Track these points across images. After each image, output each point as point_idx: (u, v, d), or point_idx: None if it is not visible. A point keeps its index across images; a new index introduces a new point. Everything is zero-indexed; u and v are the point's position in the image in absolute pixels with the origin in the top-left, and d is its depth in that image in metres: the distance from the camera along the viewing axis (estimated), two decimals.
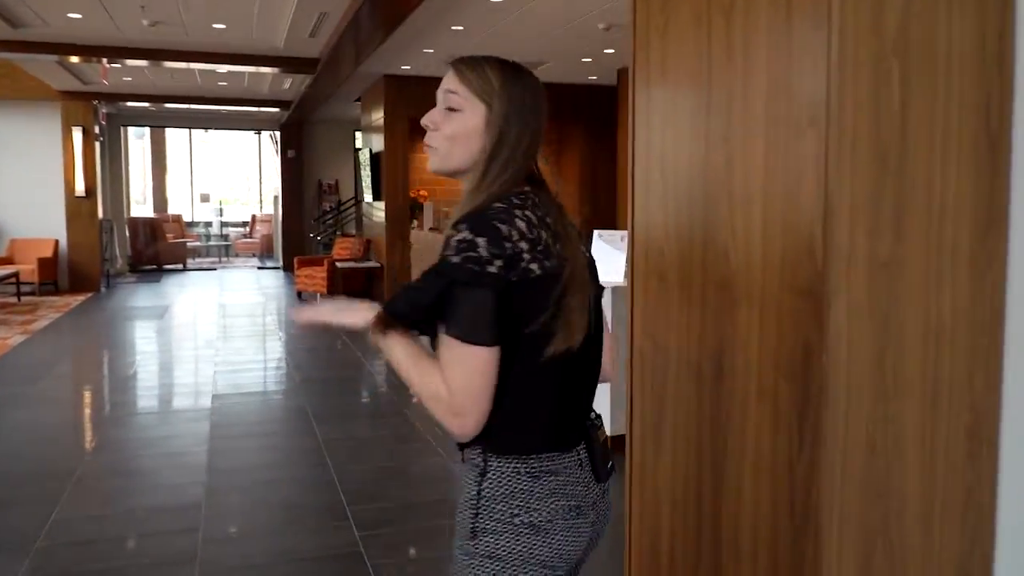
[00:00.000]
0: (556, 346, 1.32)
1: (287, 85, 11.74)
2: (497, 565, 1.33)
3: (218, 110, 15.04)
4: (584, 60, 9.47)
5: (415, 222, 11.46)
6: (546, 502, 1.34)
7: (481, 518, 1.34)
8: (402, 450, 4.85)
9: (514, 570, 1.32)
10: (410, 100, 10.81)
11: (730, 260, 1.64)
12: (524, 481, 1.33)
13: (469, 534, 1.35)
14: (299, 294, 11.90)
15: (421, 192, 11.60)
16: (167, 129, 19.34)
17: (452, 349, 1.26)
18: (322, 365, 7.48)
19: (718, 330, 1.71)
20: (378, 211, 11.42)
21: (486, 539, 1.33)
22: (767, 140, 1.46)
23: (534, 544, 1.32)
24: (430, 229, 8.82)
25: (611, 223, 10.31)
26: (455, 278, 1.25)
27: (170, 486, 4.25)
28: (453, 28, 7.86)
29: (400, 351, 1.33)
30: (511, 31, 7.97)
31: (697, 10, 1.67)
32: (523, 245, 1.29)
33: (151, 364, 7.46)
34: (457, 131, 1.39)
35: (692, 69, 1.74)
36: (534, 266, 1.29)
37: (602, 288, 1.58)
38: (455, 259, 1.25)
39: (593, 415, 1.49)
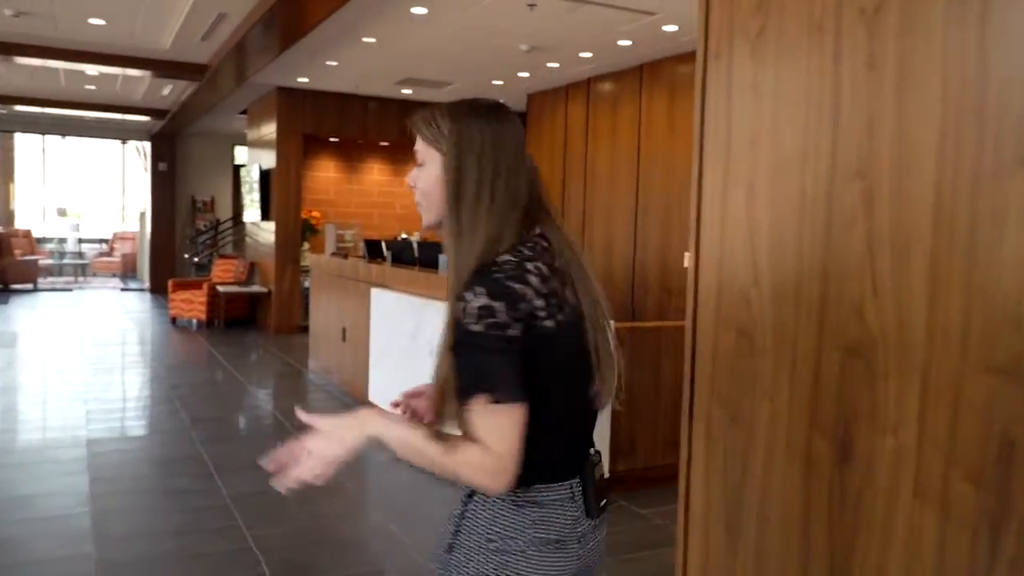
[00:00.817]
0: (596, 388, 1.40)
1: (166, 92, 10.80)
2: None
3: (80, 116, 13.75)
4: (495, 83, 9.15)
5: (306, 244, 10.75)
6: (523, 532, 1.35)
7: (460, 535, 1.38)
8: (324, 506, 4.27)
9: None
10: (305, 115, 10.17)
11: (867, 320, 1.33)
12: (507, 509, 1.35)
13: (446, 547, 1.40)
14: (173, 320, 10.90)
15: (313, 213, 10.92)
16: (16, 134, 17.59)
17: (491, 413, 1.25)
18: (212, 402, 6.72)
19: (843, 408, 1.39)
20: (266, 232, 10.64)
21: (459, 555, 1.38)
22: (944, 173, 1.14)
23: (502, 570, 1.34)
24: (333, 254, 8.20)
25: None
26: (483, 346, 1.26)
27: (49, 561, 3.51)
28: (365, 40, 7.35)
29: (411, 434, 1.33)
30: (426, 47, 7.55)
31: (814, 15, 1.35)
32: (538, 303, 1.30)
33: (5, 404, 6.47)
34: (426, 184, 1.39)
35: (804, 78, 1.41)
36: (549, 323, 1.31)
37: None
38: (476, 327, 1.26)
39: (592, 451, 1.46)
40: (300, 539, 3.85)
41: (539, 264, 1.34)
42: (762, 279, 1.68)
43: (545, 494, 1.36)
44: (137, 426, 5.83)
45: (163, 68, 8.89)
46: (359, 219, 11.35)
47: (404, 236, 10.95)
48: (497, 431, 1.26)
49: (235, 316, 10.85)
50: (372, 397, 6.08)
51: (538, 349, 1.29)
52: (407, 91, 9.95)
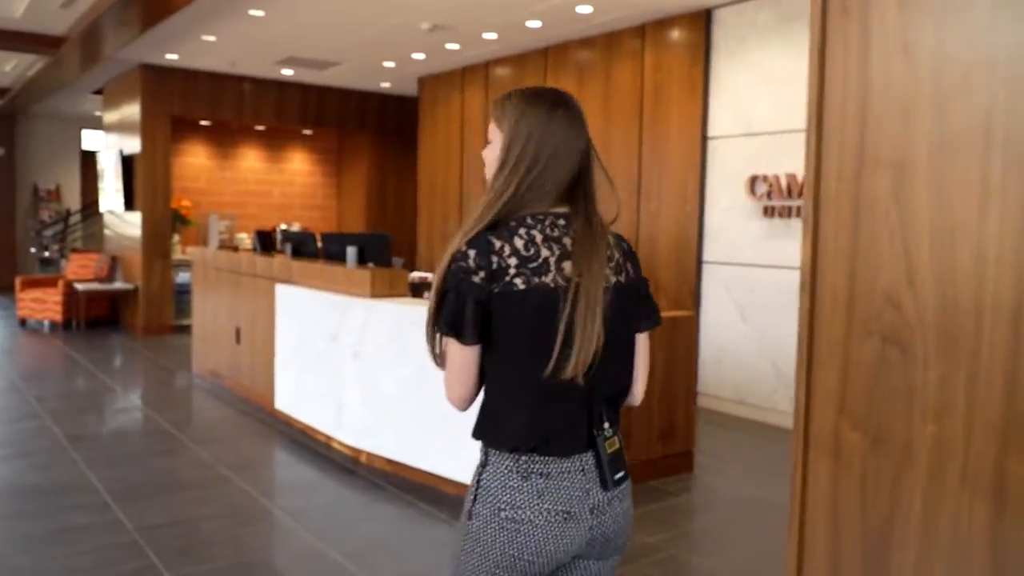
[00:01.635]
0: (566, 360, 1.45)
1: (8, 67, 9.61)
2: (480, 549, 1.48)
3: None
4: (386, 64, 8.67)
5: (176, 237, 9.88)
6: (532, 502, 1.46)
7: (476, 504, 1.50)
8: (251, 535, 3.78)
9: (495, 556, 1.46)
10: (173, 95, 9.30)
11: None
12: (514, 479, 1.47)
13: (466, 515, 1.52)
14: (22, 322, 9.76)
15: (183, 202, 10.04)
16: None
17: (447, 342, 1.49)
18: (88, 415, 5.96)
19: None
20: (130, 224, 9.68)
21: (476, 524, 1.49)
22: None
23: (514, 538, 1.45)
24: (224, 246, 7.49)
25: (403, 238, 9.55)
26: (449, 285, 1.46)
27: None
28: (251, 13, 6.71)
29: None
30: (319, 21, 6.99)
31: None
32: (512, 260, 1.45)
33: None
34: (490, 160, 1.56)
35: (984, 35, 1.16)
36: (518, 280, 1.45)
37: (638, 310, 1.62)
38: (446, 267, 1.47)
39: (607, 426, 1.54)
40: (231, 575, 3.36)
41: (533, 231, 1.48)
42: (920, 278, 1.40)
43: (552, 466, 1.47)
44: (2, 448, 5.05)
45: (12, 40, 7.84)
46: (234, 209, 10.56)
47: (284, 227, 10.27)
48: (449, 358, 1.50)
49: (96, 316, 9.83)
50: (279, 405, 5.55)
51: (504, 303, 1.44)
52: (288, 71, 9.29)
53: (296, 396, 5.32)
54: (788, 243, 5.75)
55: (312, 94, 10.04)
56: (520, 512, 1.45)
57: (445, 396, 1.53)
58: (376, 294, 4.69)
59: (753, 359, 5.99)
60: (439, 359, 1.53)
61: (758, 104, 5.92)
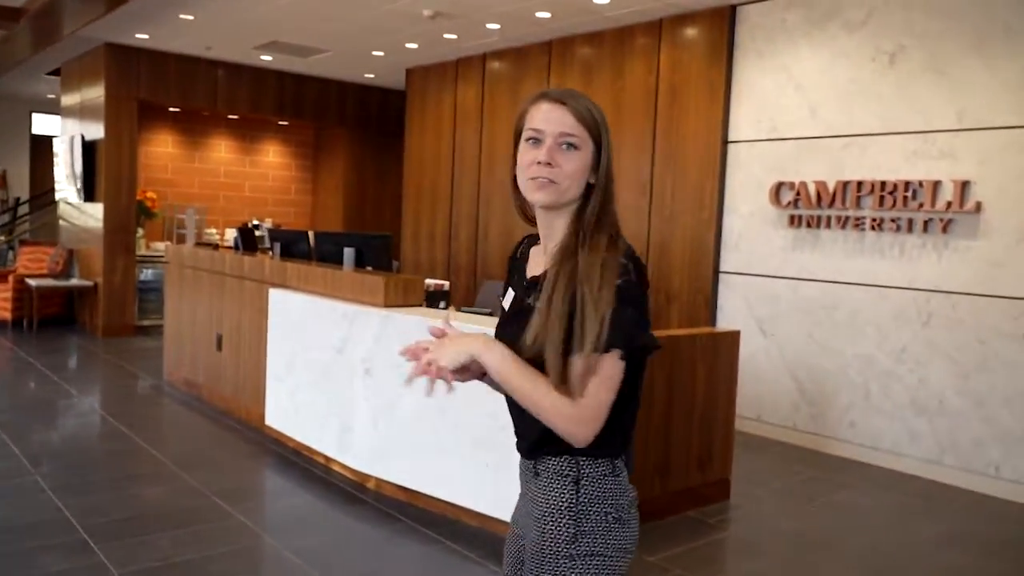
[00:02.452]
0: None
1: None
2: (599, 560, 1.46)
3: None
4: (375, 53, 8.18)
5: (140, 231, 9.23)
6: (624, 496, 1.50)
7: (582, 522, 1.46)
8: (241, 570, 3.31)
9: (613, 562, 1.48)
10: (140, 78, 8.67)
11: None
12: (610, 481, 1.49)
13: (570, 539, 1.46)
14: None
15: (148, 194, 9.39)
16: None
17: (601, 362, 1.38)
18: (52, 432, 5.37)
19: None
20: (90, 216, 9.01)
21: (587, 540, 1.46)
22: None
23: (622, 535, 1.49)
24: (200, 244, 6.92)
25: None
26: (626, 299, 1.40)
27: None
28: None
29: (516, 367, 1.41)
30: (308, 5, 6.48)
31: None
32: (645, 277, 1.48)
33: None
34: (578, 167, 1.48)
35: None
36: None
37: None
38: (618, 282, 1.40)
39: None
40: None
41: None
42: None
43: (625, 459, 1.53)
44: None
45: None
46: (203, 202, 9.93)
47: (255, 222, 9.70)
48: (602, 379, 1.38)
49: (49, 314, 9.13)
50: (271, 421, 5.05)
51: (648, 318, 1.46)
52: (267, 57, 8.72)
53: (291, 413, 4.83)
54: (815, 254, 5.45)
55: (289, 83, 9.48)
56: (619, 509, 1.48)
57: (575, 432, 1.39)
58: (389, 303, 4.24)
59: (773, 375, 5.68)
60: (581, 384, 1.38)
61: (785, 108, 5.60)
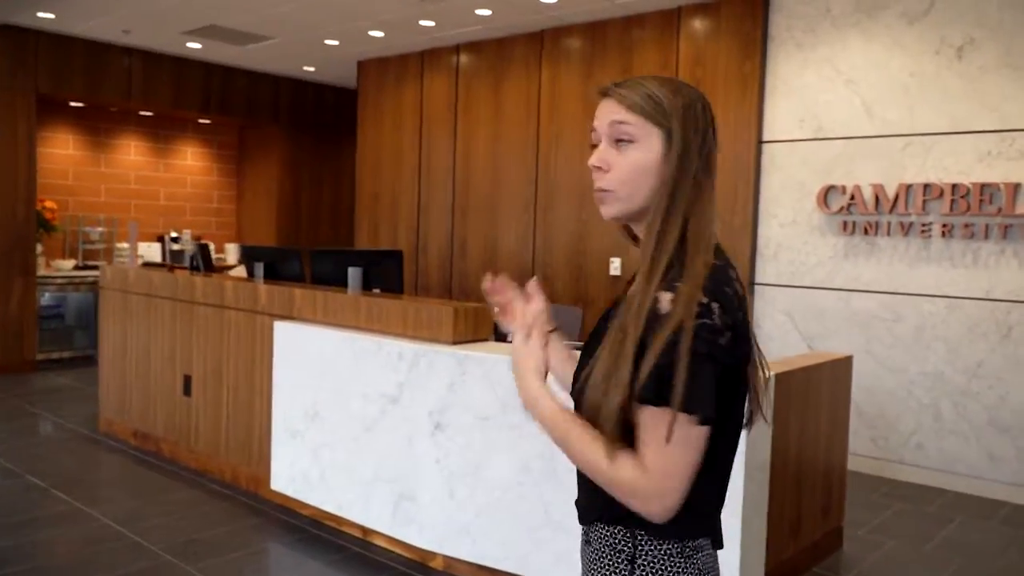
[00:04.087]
0: (749, 426, 1.31)
1: None
2: None
3: None
4: (328, 42, 7.22)
5: (40, 247, 7.85)
6: None
7: None
8: None
9: None
10: (41, 67, 7.35)
11: None
12: (678, 564, 1.22)
13: None
14: None
15: (46, 203, 8.00)
16: None
17: (670, 424, 1.12)
18: None
19: None
20: None
21: None
22: None
23: None
24: (149, 264, 5.76)
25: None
26: (694, 349, 1.11)
27: None
28: None
29: (564, 430, 1.21)
30: None
31: None
32: (740, 315, 1.19)
33: None
34: (634, 166, 1.22)
35: None
36: (745, 345, 1.21)
37: None
38: (689, 324, 1.12)
39: None
40: None
41: (731, 272, 1.24)
42: None
43: (706, 540, 1.26)
44: None
45: None
46: (111, 212, 8.59)
47: (173, 235, 8.48)
48: (674, 445, 1.13)
49: None
50: (279, 486, 4.11)
51: (736, 368, 1.20)
52: (194, 45, 7.58)
53: (313, 477, 3.91)
54: (870, 263, 5.02)
55: (217, 75, 8.33)
56: None
57: (650, 507, 1.15)
58: (459, 339, 3.43)
59: None
60: (658, 448, 1.13)
61: (833, 105, 5.14)
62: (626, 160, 1.23)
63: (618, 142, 1.24)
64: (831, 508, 3.77)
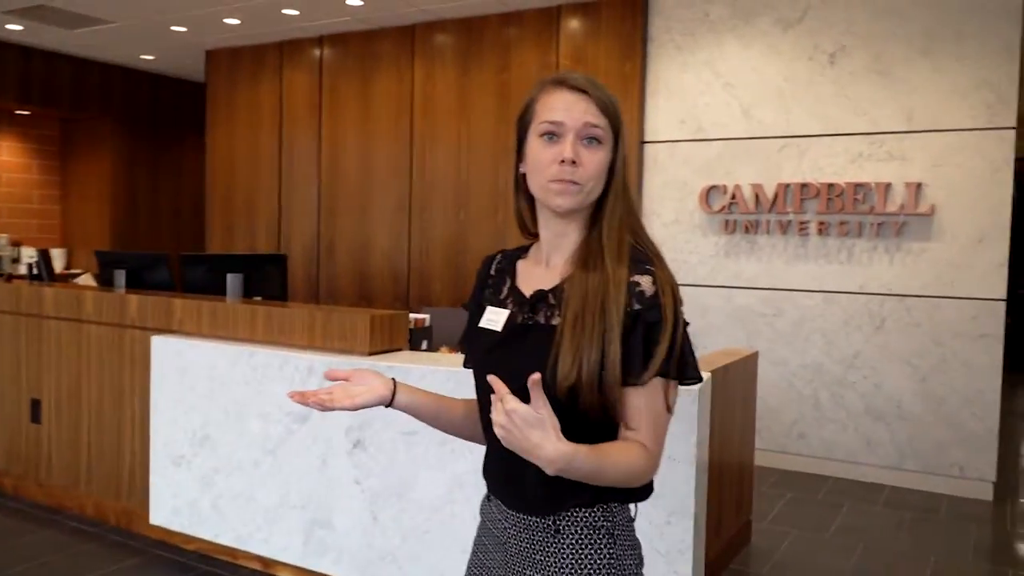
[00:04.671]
0: None
1: None
2: None
3: None
4: (175, 29, 6.63)
5: None
6: (637, 541, 1.36)
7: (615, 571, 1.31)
8: None
9: None
10: None
11: None
12: (631, 525, 1.34)
13: None
14: None
15: None
16: None
17: (663, 395, 1.25)
18: None
19: None
20: None
21: None
22: None
23: None
24: (67, 272, 4.97)
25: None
26: (681, 328, 1.27)
27: None
28: None
29: (599, 462, 1.18)
30: None
31: None
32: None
33: None
34: (602, 166, 1.32)
35: None
36: None
37: None
38: (673, 308, 1.26)
39: None
40: None
41: None
42: None
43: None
44: None
45: None
46: None
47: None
48: (668, 416, 1.27)
49: None
50: (160, 520, 3.64)
51: None
52: (14, 27, 6.72)
53: (202, 507, 3.49)
54: (751, 261, 5.18)
55: (38, 61, 7.44)
56: (638, 554, 1.35)
57: (651, 475, 1.27)
58: (375, 349, 3.17)
59: None
60: (655, 421, 1.26)
61: (713, 107, 5.27)
62: (595, 158, 1.30)
63: (588, 140, 1.30)
64: (743, 503, 3.82)
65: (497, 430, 1.12)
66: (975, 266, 4.60)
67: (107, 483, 3.90)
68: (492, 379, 1.13)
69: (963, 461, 4.68)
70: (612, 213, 1.32)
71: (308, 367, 3.17)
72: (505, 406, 1.11)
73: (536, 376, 1.10)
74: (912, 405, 4.79)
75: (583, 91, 1.30)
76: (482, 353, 1.37)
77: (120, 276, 4.25)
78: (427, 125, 6.24)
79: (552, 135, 1.30)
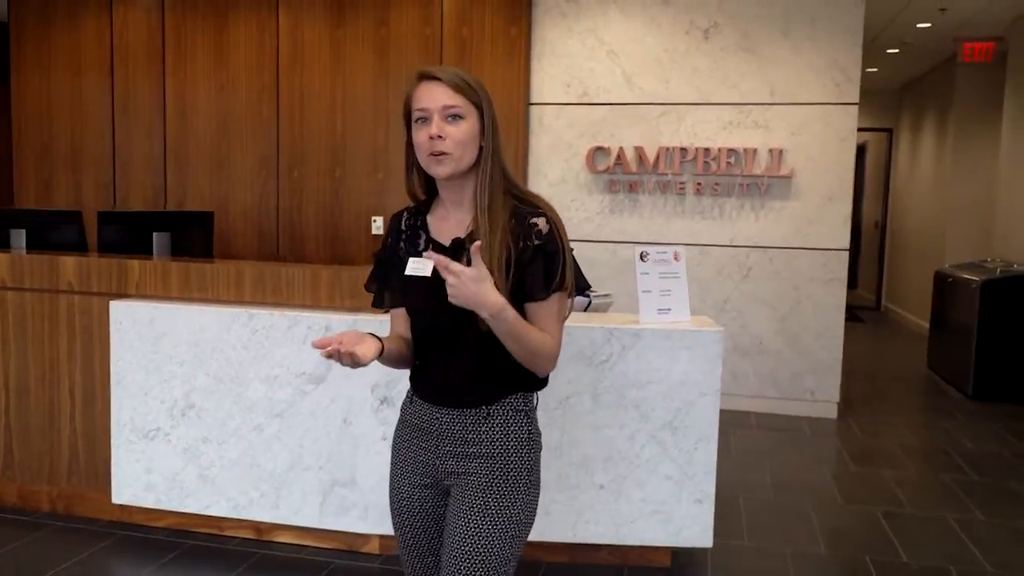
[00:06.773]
0: None
1: None
2: (538, 480, 1.69)
3: None
4: None
5: None
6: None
7: (534, 449, 1.67)
8: None
9: (539, 481, 1.70)
10: None
11: None
12: (536, 413, 1.73)
13: (530, 468, 1.66)
14: None
15: None
16: None
17: (562, 304, 1.65)
18: None
19: None
20: None
21: (537, 466, 1.68)
22: None
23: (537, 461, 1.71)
24: None
25: None
26: (569, 251, 1.66)
27: None
28: None
29: (521, 324, 1.55)
30: None
31: None
32: None
33: None
34: (467, 135, 1.60)
35: None
36: None
37: None
38: (564, 236, 1.65)
39: None
40: None
41: None
42: None
43: None
44: None
45: None
46: None
47: None
48: (563, 319, 1.66)
49: None
50: (124, 498, 3.32)
51: None
52: None
53: (186, 479, 3.25)
54: (633, 218, 5.64)
55: None
56: (540, 434, 1.73)
57: (552, 363, 1.64)
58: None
59: None
60: (557, 323, 1.65)
61: (596, 72, 5.61)
62: (459, 130, 1.60)
63: (450, 117, 1.59)
64: None
65: (449, 289, 1.45)
66: (825, 221, 5.41)
67: (35, 468, 3.46)
68: (435, 256, 1.46)
69: (814, 387, 5.52)
70: (484, 172, 1.62)
71: (325, 326, 3.08)
72: (452, 268, 1.44)
73: (478, 243, 1.46)
74: (772, 342, 5.55)
75: (438, 79, 1.60)
76: (421, 297, 1.64)
77: (19, 236, 3.73)
78: (295, 79, 5.96)
79: (423, 119, 1.61)
